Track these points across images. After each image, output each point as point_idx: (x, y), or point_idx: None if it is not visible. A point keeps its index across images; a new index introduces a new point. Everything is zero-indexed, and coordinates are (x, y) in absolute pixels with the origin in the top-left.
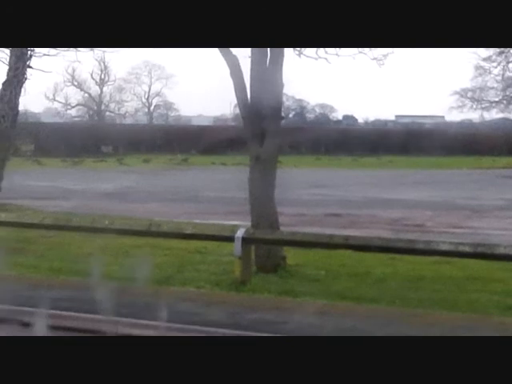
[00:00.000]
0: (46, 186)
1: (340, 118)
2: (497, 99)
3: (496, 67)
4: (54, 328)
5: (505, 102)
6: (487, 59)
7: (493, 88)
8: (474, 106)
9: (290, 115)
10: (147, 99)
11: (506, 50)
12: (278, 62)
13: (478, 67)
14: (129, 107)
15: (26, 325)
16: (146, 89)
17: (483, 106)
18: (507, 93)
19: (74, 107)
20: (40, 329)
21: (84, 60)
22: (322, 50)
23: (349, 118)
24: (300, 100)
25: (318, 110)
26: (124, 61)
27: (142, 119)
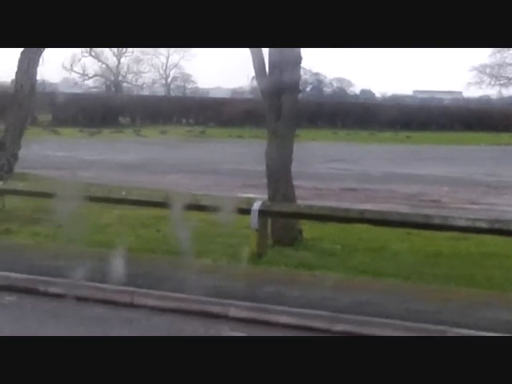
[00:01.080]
0: (64, 156)
1: (357, 92)
2: None
3: None
4: (69, 298)
5: None
6: None
7: (511, 64)
8: (493, 83)
9: (308, 89)
10: (165, 71)
11: None
12: None
13: None
14: (146, 78)
15: (44, 294)
16: (164, 60)
17: (501, 82)
18: None
19: (91, 78)
20: (58, 299)
21: None
22: None
23: (366, 93)
24: (317, 74)
25: (335, 84)
26: None
27: (160, 91)
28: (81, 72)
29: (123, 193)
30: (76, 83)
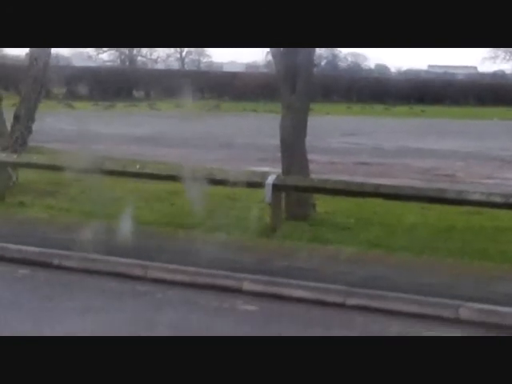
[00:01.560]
0: (78, 130)
1: (372, 67)
2: None
3: None
4: (84, 271)
5: None
6: None
7: None
8: (507, 57)
9: (322, 63)
10: None
11: None
12: None
13: None
14: (161, 52)
15: (58, 267)
16: None
17: None
18: None
19: (105, 52)
20: (72, 272)
21: None
22: None
23: (381, 67)
24: (332, 48)
25: (349, 59)
26: None
27: (174, 65)
28: None
29: (137, 166)
30: (90, 57)
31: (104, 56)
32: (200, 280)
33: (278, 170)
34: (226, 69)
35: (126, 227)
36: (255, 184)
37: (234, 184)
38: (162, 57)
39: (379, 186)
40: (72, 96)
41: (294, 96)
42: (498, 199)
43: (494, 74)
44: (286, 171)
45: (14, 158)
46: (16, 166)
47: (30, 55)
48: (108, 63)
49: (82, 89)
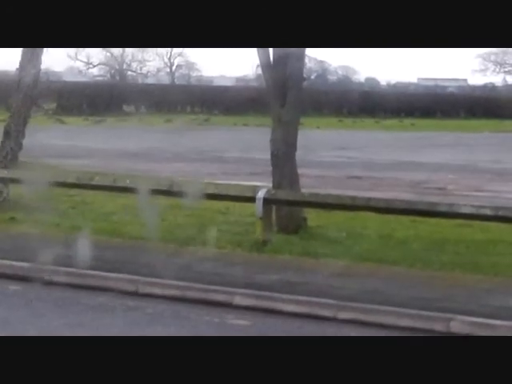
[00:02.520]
0: (69, 145)
1: (362, 80)
2: None
3: None
4: (75, 286)
5: None
6: None
7: None
8: (497, 70)
9: (312, 77)
10: (169, 59)
11: None
12: None
13: None
14: (151, 67)
15: (49, 283)
16: (168, 48)
17: (506, 69)
18: None
19: (95, 66)
20: (62, 287)
21: None
22: None
23: (371, 81)
24: (322, 62)
25: (340, 72)
26: None
27: (164, 79)
28: (85, 60)
29: (127, 181)
30: (80, 72)
31: (94, 71)
32: (191, 294)
33: (269, 183)
34: (217, 83)
35: (115, 242)
36: (246, 198)
37: (225, 198)
38: (152, 71)
39: (370, 199)
40: (63, 111)
41: (284, 109)
42: (488, 212)
43: (485, 87)
44: (277, 185)
45: (4, 173)
46: (7, 181)
47: (19, 70)
48: (98, 78)
49: (73, 104)
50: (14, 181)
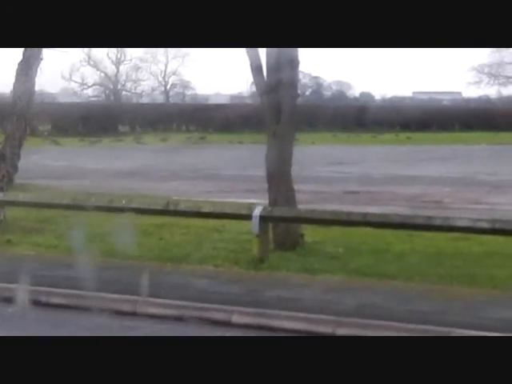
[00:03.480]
0: (65, 166)
1: (357, 95)
2: None
3: None
4: (73, 308)
5: None
6: None
7: (510, 63)
8: (492, 82)
9: (307, 93)
10: (164, 78)
11: None
12: None
13: None
14: (145, 86)
15: (46, 304)
16: (163, 67)
17: (500, 81)
18: None
19: (90, 87)
20: (60, 309)
21: None
22: None
23: (366, 95)
24: (316, 77)
25: (334, 88)
26: None
27: (159, 98)
28: (80, 81)
29: (124, 201)
30: (75, 92)
31: (89, 91)
32: (188, 314)
33: (266, 200)
34: (211, 101)
35: (112, 262)
36: (242, 216)
37: (221, 216)
38: (146, 90)
39: (366, 214)
40: (58, 132)
41: (279, 126)
42: (484, 225)
43: (479, 99)
44: (273, 202)
45: (0, 196)
46: (3, 204)
47: (13, 92)
48: (93, 98)
49: (68, 125)
50: (10, 203)
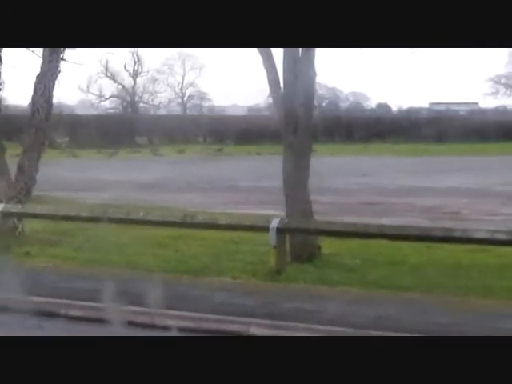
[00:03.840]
0: (82, 178)
1: (374, 106)
2: None
3: None
4: (90, 320)
5: None
6: None
7: None
8: (508, 92)
9: (324, 104)
10: (181, 90)
11: None
12: (310, 52)
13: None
14: (162, 98)
15: (65, 317)
16: (180, 79)
17: None
18: None
19: (107, 99)
20: (76, 321)
21: (117, 52)
22: None
23: (382, 106)
24: (333, 88)
25: (351, 99)
26: (157, 52)
27: (176, 110)
28: (97, 93)
29: (141, 213)
30: (93, 104)
31: (106, 103)
32: (206, 325)
33: (282, 212)
34: (228, 112)
35: (130, 274)
36: (259, 228)
37: (238, 228)
38: (163, 102)
39: (383, 226)
40: (75, 144)
41: (296, 137)
42: (502, 236)
43: (496, 110)
44: (290, 213)
45: (18, 208)
46: (21, 216)
47: (31, 105)
48: (110, 110)
49: (85, 137)
50: (28, 215)
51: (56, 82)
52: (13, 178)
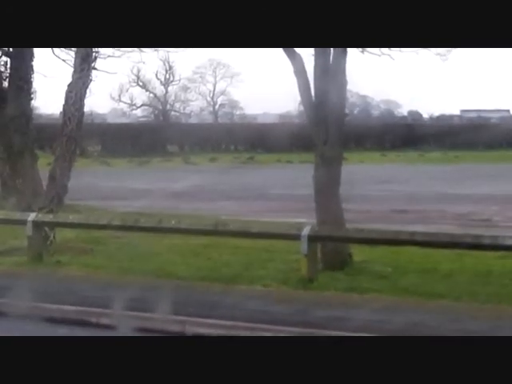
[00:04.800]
0: (114, 186)
1: (405, 113)
2: None
3: None
4: (120, 328)
5: None
6: None
7: None
8: None
9: (355, 111)
10: (212, 98)
11: None
12: (341, 60)
13: None
14: (194, 106)
15: (96, 325)
16: (211, 88)
17: None
18: None
19: (139, 107)
20: (109, 330)
21: (148, 60)
22: None
23: (414, 114)
24: (364, 96)
25: (382, 106)
26: (188, 60)
27: (208, 118)
28: (129, 102)
29: (173, 222)
30: (124, 113)
31: (138, 112)
32: (237, 334)
33: (314, 220)
34: (260, 120)
35: (162, 283)
36: (291, 236)
37: (270, 236)
38: (195, 111)
39: (414, 233)
40: (107, 153)
41: (327, 145)
42: None
43: None
44: (321, 221)
45: (50, 217)
46: (53, 225)
47: (63, 114)
48: (142, 119)
49: (117, 145)
50: (59, 224)
51: (87, 90)
52: (44, 187)
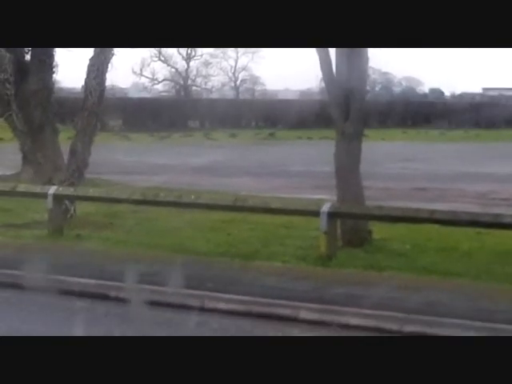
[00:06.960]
0: (134, 161)
1: (426, 91)
2: None
3: None
4: (139, 302)
5: None
6: None
7: None
8: None
9: (377, 88)
10: (233, 74)
11: None
12: None
13: None
14: (215, 82)
15: (115, 299)
16: (233, 63)
17: None
18: None
19: (160, 82)
20: (128, 304)
21: None
22: None
23: (435, 92)
24: (386, 73)
25: (404, 84)
26: None
27: (229, 94)
28: (150, 76)
29: (192, 197)
30: (146, 88)
31: (159, 86)
32: (256, 309)
33: (334, 197)
34: (281, 96)
35: (181, 258)
36: (310, 212)
37: (290, 212)
38: (216, 86)
39: (434, 211)
40: (128, 127)
41: (348, 123)
42: None
43: None
44: (342, 198)
45: (70, 191)
46: (73, 199)
47: (84, 88)
48: (163, 93)
49: (138, 120)
50: (80, 198)
51: (109, 64)
52: (65, 161)
